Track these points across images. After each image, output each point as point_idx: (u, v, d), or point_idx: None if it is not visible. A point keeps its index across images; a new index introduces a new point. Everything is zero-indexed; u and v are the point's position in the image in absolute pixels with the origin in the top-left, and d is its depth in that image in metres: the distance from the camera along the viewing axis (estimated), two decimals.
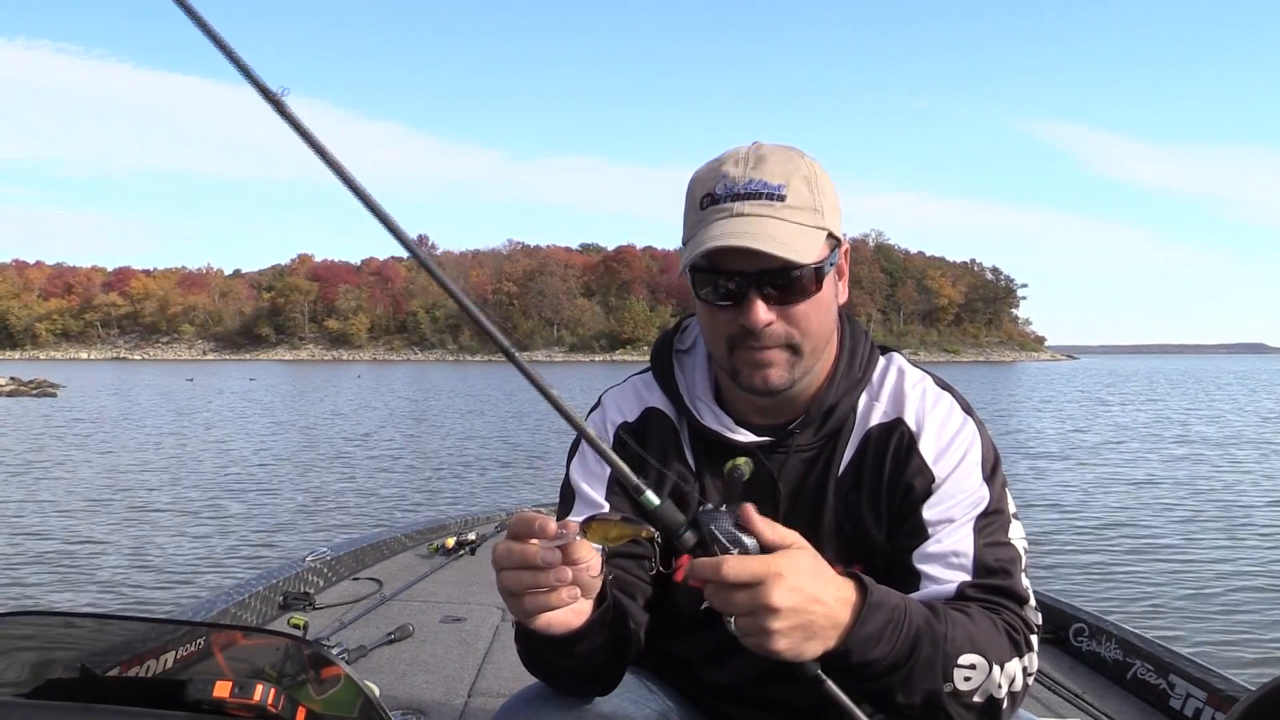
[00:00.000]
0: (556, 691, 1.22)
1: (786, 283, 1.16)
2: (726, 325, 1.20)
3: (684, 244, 1.25)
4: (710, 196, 1.19)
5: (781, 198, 1.16)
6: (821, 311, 1.21)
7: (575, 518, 1.06)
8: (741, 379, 1.22)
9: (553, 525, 0.96)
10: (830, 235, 1.20)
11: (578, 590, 0.99)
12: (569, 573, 0.96)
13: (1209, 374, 76.62)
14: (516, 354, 0.99)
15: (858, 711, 0.97)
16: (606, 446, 1.02)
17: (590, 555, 0.99)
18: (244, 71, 0.99)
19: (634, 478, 0.99)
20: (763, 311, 1.16)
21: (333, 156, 0.97)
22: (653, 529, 0.99)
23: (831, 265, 1.21)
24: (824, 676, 0.99)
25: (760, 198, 1.16)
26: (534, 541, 0.95)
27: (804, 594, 0.97)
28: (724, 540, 0.98)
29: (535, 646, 1.13)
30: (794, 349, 1.20)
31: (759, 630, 0.96)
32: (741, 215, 1.15)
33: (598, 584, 1.03)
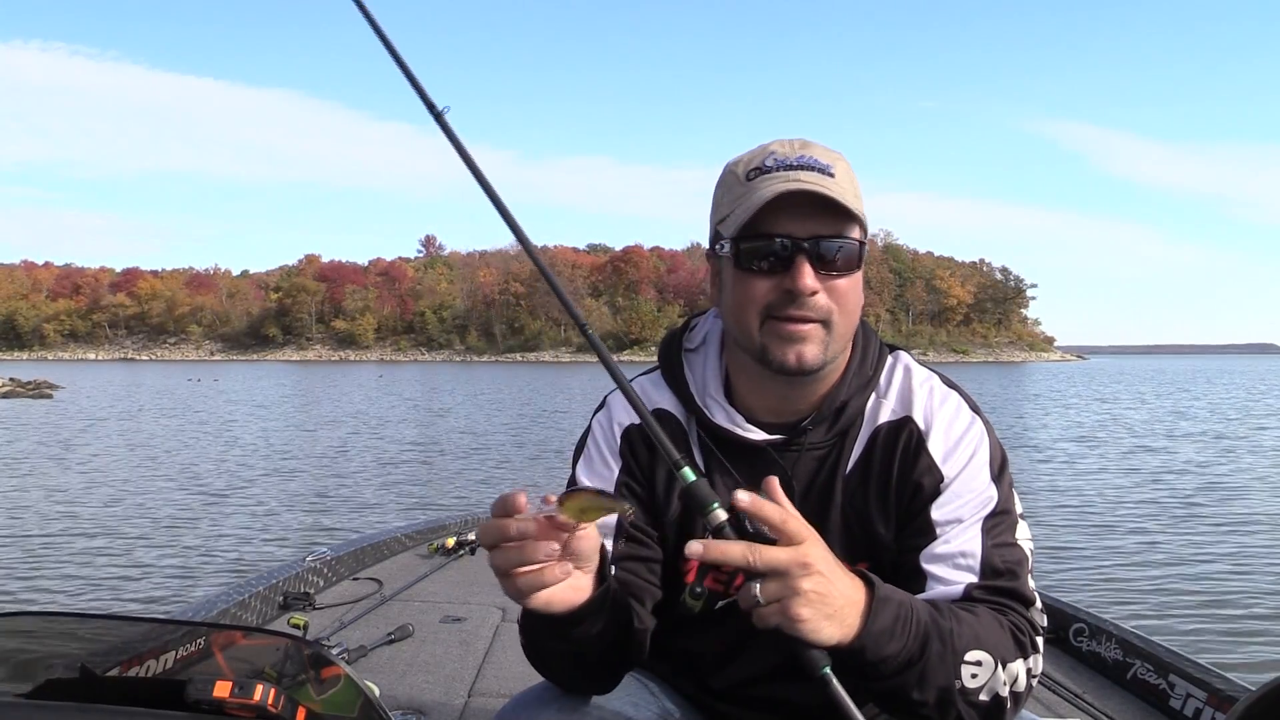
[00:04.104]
0: (557, 687, 1.21)
1: (836, 251, 1.16)
2: (766, 293, 1.17)
3: (716, 225, 1.24)
4: (759, 169, 1.19)
5: (832, 175, 1.17)
6: (857, 295, 1.21)
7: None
8: (772, 355, 1.18)
9: (524, 500, 0.95)
10: (863, 228, 1.21)
11: (569, 566, 0.98)
12: (555, 547, 0.95)
13: (1217, 374, 76.20)
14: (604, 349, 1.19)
15: (857, 713, 0.97)
16: (652, 421, 1.09)
17: (586, 525, 0.98)
18: (413, 84, 1.28)
19: (675, 453, 1.03)
20: (810, 277, 1.15)
21: (480, 170, 1.23)
22: (629, 507, 0.97)
23: (865, 253, 1.22)
24: (830, 675, 0.99)
25: (814, 169, 1.17)
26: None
27: (828, 581, 0.98)
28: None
29: (537, 632, 1.12)
30: (829, 328, 1.18)
31: (784, 611, 0.97)
32: (799, 181, 1.15)
33: (595, 559, 1.02)
